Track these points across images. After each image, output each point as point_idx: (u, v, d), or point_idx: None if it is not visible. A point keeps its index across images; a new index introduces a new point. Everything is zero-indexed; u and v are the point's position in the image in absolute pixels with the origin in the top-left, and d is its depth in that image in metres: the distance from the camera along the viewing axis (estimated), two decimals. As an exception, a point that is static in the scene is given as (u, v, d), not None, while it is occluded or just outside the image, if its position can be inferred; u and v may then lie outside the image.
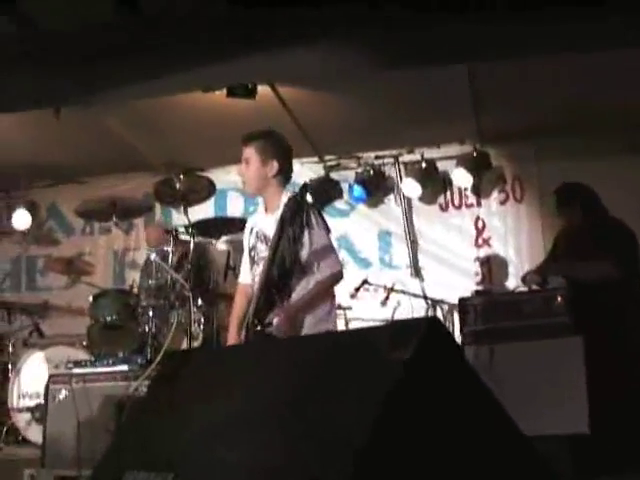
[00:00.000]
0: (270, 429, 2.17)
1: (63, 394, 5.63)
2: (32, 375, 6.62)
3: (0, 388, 6.94)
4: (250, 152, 4.45)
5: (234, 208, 8.47)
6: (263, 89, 6.69)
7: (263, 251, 4.24)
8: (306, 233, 3.90)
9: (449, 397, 2.41)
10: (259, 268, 4.19)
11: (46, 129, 7.28)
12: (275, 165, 4.39)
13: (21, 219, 8.38)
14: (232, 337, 4.24)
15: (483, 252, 8.06)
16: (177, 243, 6.59)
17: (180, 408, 2.39)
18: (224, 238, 6.89)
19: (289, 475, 2.12)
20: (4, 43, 5.98)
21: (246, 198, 8.48)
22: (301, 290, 4.09)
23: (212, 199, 7.57)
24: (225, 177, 7.89)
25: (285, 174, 4.47)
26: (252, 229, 4.45)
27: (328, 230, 4.20)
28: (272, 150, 4.44)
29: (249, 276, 4.41)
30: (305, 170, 8.33)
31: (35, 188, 8.79)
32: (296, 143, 7.77)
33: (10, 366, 6.99)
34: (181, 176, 6.54)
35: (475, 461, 2.35)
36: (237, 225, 7.02)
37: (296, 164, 8.18)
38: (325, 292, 4.20)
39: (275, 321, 3.82)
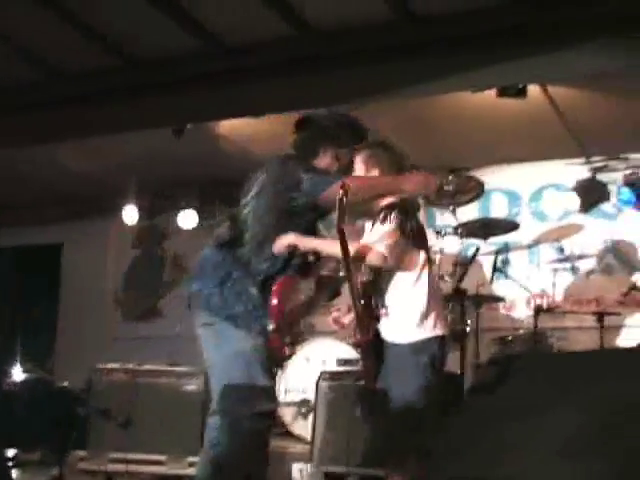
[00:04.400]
0: (598, 458, 2.03)
1: (334, 391, 5.71)
2: (298, 370, 6.75)
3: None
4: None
5: (498, 209, 8.34)
6: (533, 89, 6.55)
7: None
8: None
9: None
10: None
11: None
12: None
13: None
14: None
15: None
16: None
17: (501, 418, 2.31)
18: (491, 239, 6.76)
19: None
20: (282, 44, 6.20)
21: (510, 199, 8.34)
22: None
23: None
24: (489, 178, 7.77)
25: None
26: None
27: None
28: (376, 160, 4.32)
29: None
30: (571, 171, 8.11)
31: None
32: (562, 143, 7.73)
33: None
34: (450, 177, 6.48)
35: None
36: (503, 226, 6.92)
37: (561, 165, 8.18)
38: None
39: None
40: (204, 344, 4.04)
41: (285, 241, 3.98)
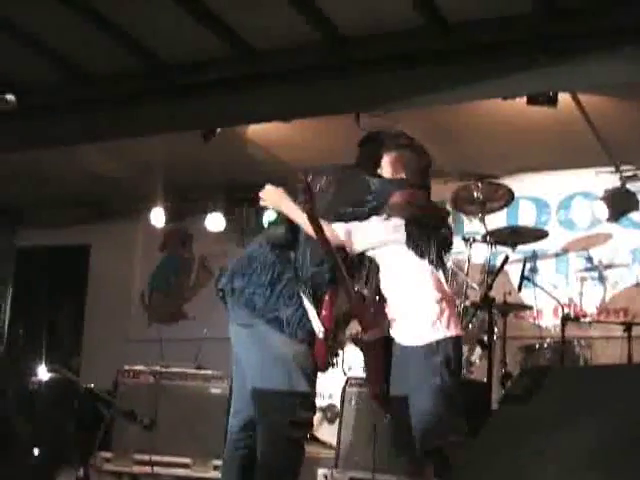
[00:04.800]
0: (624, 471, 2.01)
1: (359, 397, 5.71)
2: (324, 376, 6.72)
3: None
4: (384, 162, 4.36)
5: (526, 217, 8.31)
6: (564, 97, 6.52)
7: None
8: None
9: None
10: None
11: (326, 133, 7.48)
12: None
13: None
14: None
15: None
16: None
17: (532, 429, 2.29)
18: (519, 248, 6.73)
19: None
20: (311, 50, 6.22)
21: (539, 208, 8.31)
22: None
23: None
24: (518, 185, 7.74)
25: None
26: None
27: None
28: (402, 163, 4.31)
29: None
30: (600, 180, 8.06)
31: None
32: (593, 152, 7.69)
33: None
34: (479, 184, 6.46)
35: None
36: (532, 235, 6.89)
37: (590, 173, 8.14)
38: None
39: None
40: (240, 344, 3.99)
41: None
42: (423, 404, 4.04)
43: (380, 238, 4.14)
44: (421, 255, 4.18)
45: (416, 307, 4.16)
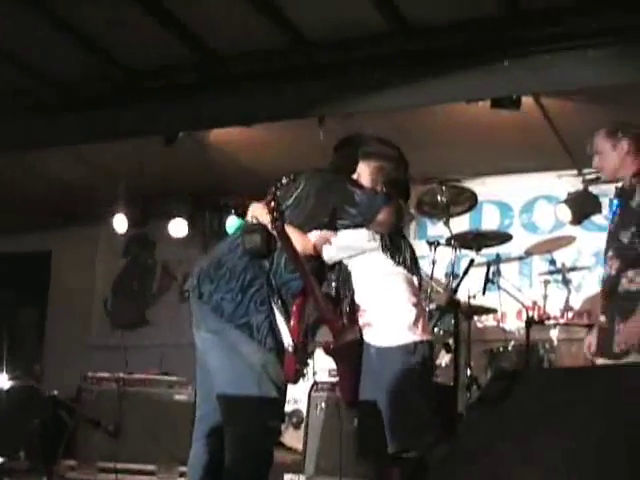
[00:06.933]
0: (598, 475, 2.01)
1: (326, 402, 5.68)
2: (290, 380, 6.70)
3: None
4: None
5: (489, 221, 8.34)
6: (527, 100, 6.55)
7: None
8: None
9: None
10: None
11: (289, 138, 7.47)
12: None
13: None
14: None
15: None
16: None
17: (506, 431, 2.29)
18: (483, 251, 6.74)
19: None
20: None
21: (502, 211, 8.35)
22: None
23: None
24: (481, 189, 7.75)
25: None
26: None
27: None
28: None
29: None
30: (563, 183, 8.12)
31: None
32: (555, 155, 7.74)
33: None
34: (443, 187, 6.46)
35: None
36: (496, 238, 6.90)
37: (553, 177, 8.19)
38: None
39: None
40: (207, 350, 3.91)
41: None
42: (399, 403, 4.05)
43: (358, 246, 4.12)
44: (397, 261, 4.20)
45: (393, 311, 4.20)
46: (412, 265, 4.33)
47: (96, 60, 6.42)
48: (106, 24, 5.92)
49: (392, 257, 4.25)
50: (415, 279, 4.34)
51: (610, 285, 4.34)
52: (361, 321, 4.30)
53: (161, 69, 6.56)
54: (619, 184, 4.56)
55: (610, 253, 4.39)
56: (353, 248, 4.10)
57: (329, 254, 3.99)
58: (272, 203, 3.57)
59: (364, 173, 4.14)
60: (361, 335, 4.28)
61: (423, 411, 4.06)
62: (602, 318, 4.46)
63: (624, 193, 4.44)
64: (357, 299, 4.35)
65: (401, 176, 4.30)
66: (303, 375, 3.95)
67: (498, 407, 2.39)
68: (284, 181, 3.88)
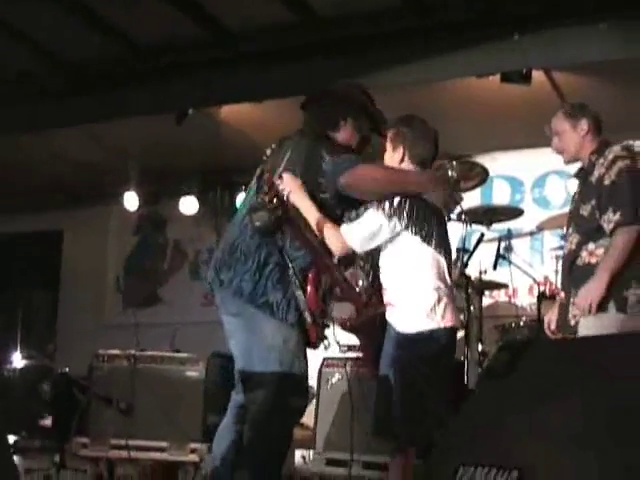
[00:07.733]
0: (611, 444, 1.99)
1: (336, 378, 5.69)
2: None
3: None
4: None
5: (500, 196, 8.32)
6: (537, 75, 6.51)
7: None
8: None
9: None
10: None
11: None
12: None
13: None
14: None
15: None
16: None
17: (514, 405, 2.27)
18: (494, 226, 6.71)
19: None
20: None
21: (513, 186, 8.32)
22: None
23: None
24: (492, 164, 7.71)
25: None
26: None
27: None
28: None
29: None
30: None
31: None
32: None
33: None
34: (454, 162, 6.42)
35: None
36: (507, 213, 6.87)
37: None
38: None
39: None
40: (231, 333, 3.91)
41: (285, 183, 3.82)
42: (407, 386, 4.03)
43: (376, 229, 4.09)
44: (426, 240, 4.12)
45: (413, 294, 4.09)
46: (441, 242, 4.17)
47: (107, 39, 6.41)
48: (117, 3, 5.91)
49: (421, 235, 4.10)
50: (442, 260, 4.17)
51: (570, 260, 4.34)
52: (385, 299, 4.24)
53: (172, 47, 6.55)
54: (579, 164, 4.54)
55: (570, 230, 4.39)
56: (374, 233, 4.09)
57: (356, 247, 4.02)
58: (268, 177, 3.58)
59: (343, 128, 4.11)
60: (384, 313, 4.21)
61: (432, 404, 4.00)
62: (562, 294, 4.47)
63: (583, 173, 4.42)
64: (381, 276, 4.28)
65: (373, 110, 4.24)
66: (323, 339, 3.92)
67: (505, 379, 2.37)
68: (268, 152, 3.92)
